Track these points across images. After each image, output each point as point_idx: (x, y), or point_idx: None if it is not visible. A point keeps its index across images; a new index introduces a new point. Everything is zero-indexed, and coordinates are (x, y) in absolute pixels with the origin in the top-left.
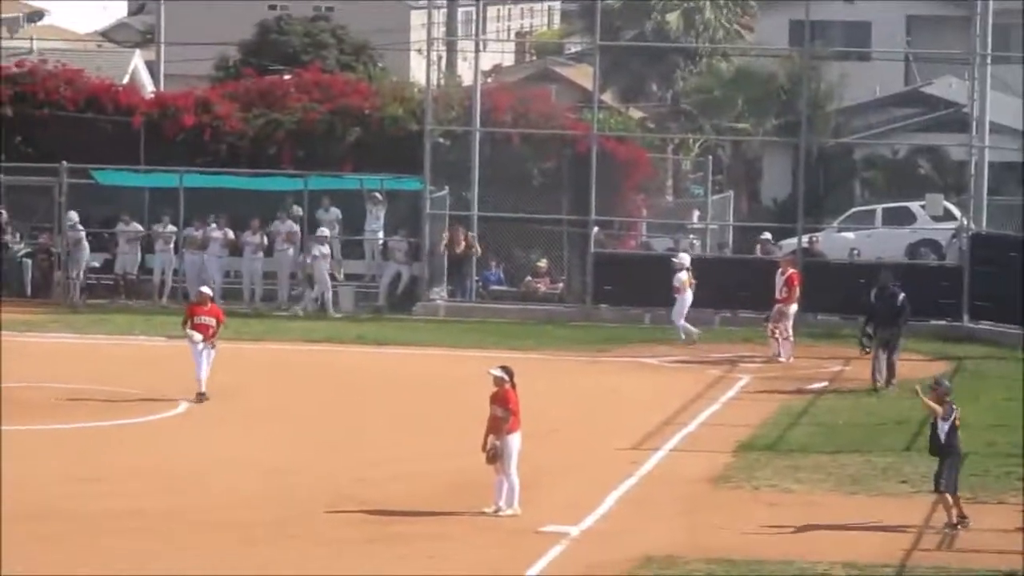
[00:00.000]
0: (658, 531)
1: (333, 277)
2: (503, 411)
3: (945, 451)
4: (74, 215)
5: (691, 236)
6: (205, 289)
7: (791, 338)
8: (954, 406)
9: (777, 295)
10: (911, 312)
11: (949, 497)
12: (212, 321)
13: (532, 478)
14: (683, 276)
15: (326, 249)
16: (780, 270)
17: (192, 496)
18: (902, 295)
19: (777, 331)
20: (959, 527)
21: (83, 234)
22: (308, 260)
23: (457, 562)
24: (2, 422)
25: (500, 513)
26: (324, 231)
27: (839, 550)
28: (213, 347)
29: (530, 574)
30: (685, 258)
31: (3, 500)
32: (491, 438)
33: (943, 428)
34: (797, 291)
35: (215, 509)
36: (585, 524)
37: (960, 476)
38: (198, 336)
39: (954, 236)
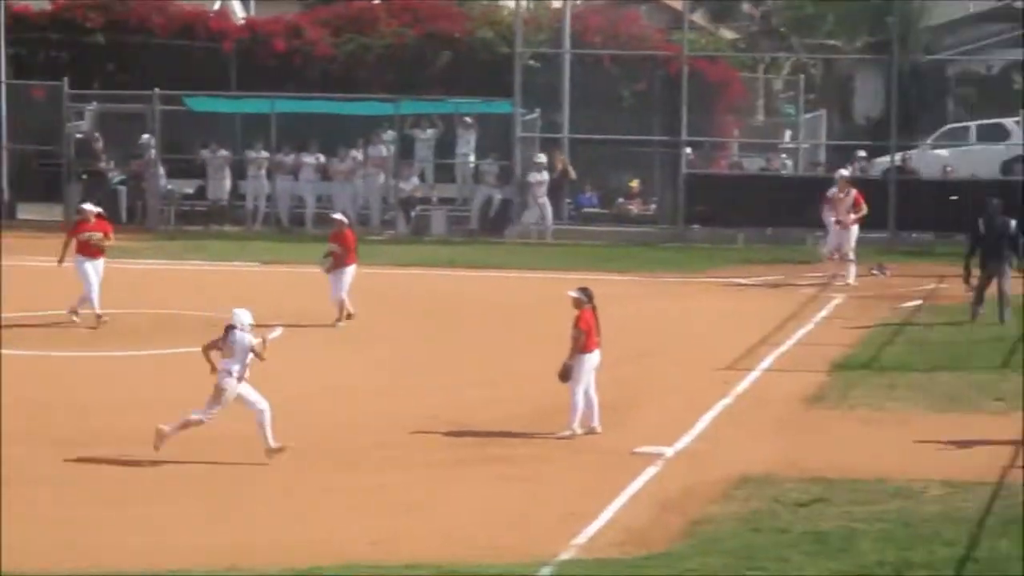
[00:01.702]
0: (753, 451)
1: (427, 201)
2: (576, 331)
3: None
4: (147, 138)
5: (783, 155)
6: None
7: (855, 259)
8: None
9: (842, 216)
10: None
11: None
12: None
13: (626, 400)
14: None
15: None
16: (841, 191)
17: (291, 421)
18: (1013, 222)
19: (839, 254)
20: None
21: (156, 159)
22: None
23: (553, 483)
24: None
25: (574, 435)
26: None
27: (935, 468)
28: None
29: (626, 495)
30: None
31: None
32: (566, 357)
33: None
34: (864, 211)
35: (312, 434)
36: (680, 445)
37: None
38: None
39: None
